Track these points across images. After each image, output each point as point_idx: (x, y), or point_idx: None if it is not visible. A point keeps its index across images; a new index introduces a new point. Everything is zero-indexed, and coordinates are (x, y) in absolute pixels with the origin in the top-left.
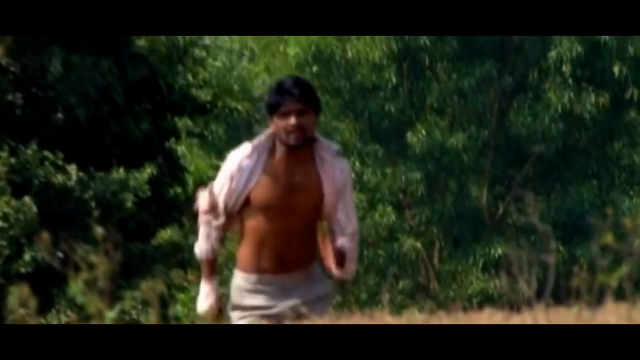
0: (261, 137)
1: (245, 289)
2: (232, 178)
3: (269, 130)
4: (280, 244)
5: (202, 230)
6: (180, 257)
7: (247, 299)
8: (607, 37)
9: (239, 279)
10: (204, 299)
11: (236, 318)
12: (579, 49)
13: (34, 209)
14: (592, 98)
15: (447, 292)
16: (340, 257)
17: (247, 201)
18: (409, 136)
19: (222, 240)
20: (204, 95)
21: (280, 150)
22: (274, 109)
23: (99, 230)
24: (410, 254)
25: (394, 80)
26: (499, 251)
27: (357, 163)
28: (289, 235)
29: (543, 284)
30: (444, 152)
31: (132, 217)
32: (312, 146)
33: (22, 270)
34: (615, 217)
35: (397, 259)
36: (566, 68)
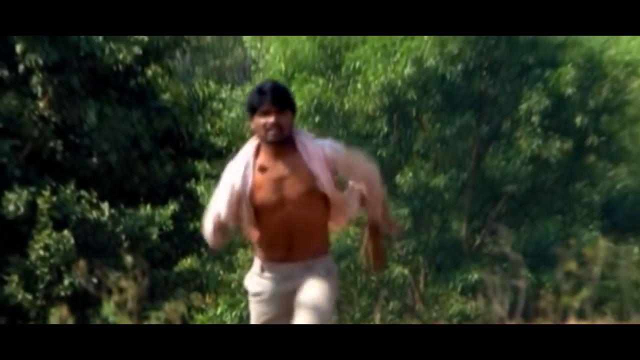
0: (247, 145)
1: (255, 276)
2: (233, 185)
3: (250, 142)
4: (287, 232)
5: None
6: (198, 282)
7: (253, 287)
8: (570, 92)
9: (254, 265)
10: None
11: (249, 300)
12: (546, 102)
13: (72, 240)
14: (557, 144)
15: (431, 313)
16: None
17: (253, 202)
18: (398, 178)
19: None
20: (221, 142)
21: (264, 149)
22: (254, 109)
23: (128, 259)
24: (399, 279)
25: (385, 129)
26: (476, 277)
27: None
28: (292, 222)
29: (514, 305)
30: (428, 192)
31: (157, 247)
32: (292, 139)
33: (62, 293)
34: (576, 247)
35: (388, 283)
36: (535, 119)
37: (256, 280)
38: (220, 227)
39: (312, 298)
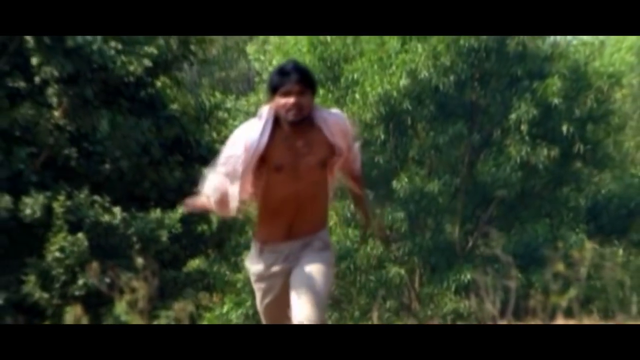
0: (263, 112)
1: (255, 257)
2: (246, 146)
3: (269, 106)
4: (292, 211)
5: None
6: (206, 282)
7: (255, 266)
8: (557, 102)
9: (253, 248)
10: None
11: (252, 282)
12: (534, 111)
13: (86, 243)
14: (545, 152)
15: (426, 311)
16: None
17: (261, 163)
18: (394, 183)
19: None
20: None
21: (284, 123)
22: (275, 89)
23: (139, 261)
24: (396, 279)
25: (382, 137)
26: (469, 277)
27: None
28: (299, 201)
29: (505, 304)
30: (423, 196)
31: (166, 249)
32: (312, 116)
33: (76, 293)
34: (564, 249)
35: (385, 283)
36: (524, 127)
37: (256, 262)
38: (223, 199)
39: (307, 274)
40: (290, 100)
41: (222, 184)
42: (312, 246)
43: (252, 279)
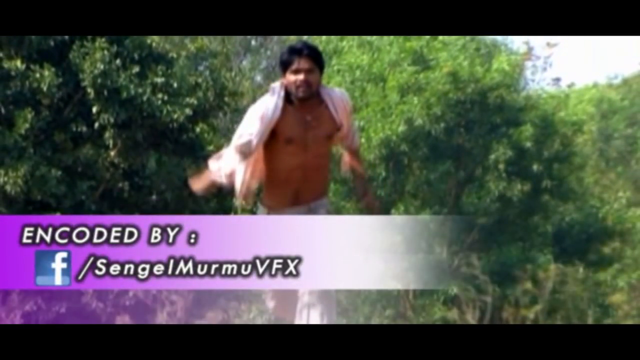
0: (276, 87)
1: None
2: (261, 117)
3: (281, 82)
4: (298, 181)
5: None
6: (235, 293)
7: None
8: (529, 145)
9: (260, 211)
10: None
11: None
12: (510, 153)
13: None
14: (519, 186)
15: (419, 319)
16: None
17: (272, 136)
18: (393, 211)
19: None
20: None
21: (294, 99)
22: (286, 66)
23: None
24: (394, 292)
25: (383, 174)
26: (455, 291)
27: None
28: (305, 170)
29: (483, 314)
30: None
31: None
32: (319, 93)
33: (127, 303)
34: (533, 269)
35: (385, 295)
36: (501, 166)
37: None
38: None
39: None
40: (300, 77)
41: (235, 157)
42: (316, 213)
43: None
